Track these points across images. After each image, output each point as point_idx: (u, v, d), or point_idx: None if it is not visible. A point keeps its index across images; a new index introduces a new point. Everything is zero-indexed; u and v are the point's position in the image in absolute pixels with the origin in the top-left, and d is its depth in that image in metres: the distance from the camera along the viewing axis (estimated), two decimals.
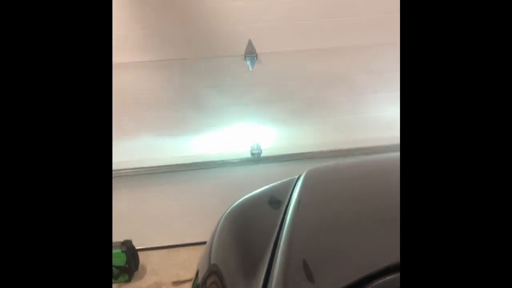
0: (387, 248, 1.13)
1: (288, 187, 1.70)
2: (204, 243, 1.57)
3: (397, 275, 0.96)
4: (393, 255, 1.05)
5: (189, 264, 3.03)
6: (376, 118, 3.14)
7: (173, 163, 3.07)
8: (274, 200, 1.68)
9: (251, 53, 2.89)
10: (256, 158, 3.12)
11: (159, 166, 3.06)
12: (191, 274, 2.94)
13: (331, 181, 1.76)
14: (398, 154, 2.14)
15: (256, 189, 1.88)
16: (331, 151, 3.14)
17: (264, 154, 3.12)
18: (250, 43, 2.88)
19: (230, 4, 2.77)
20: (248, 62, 2.92)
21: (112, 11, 0.80)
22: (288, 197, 1.61)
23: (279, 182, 1.80)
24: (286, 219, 1.42)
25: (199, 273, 1.41)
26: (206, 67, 2.92)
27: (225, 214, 1.62)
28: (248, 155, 3.12)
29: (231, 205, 1.68)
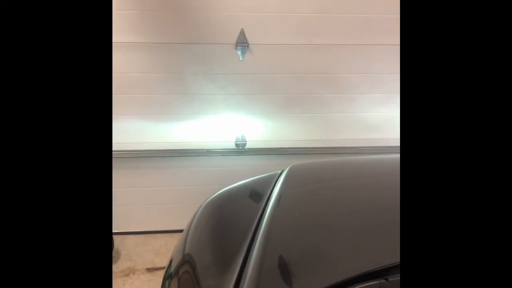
0: (368, 252, 1.12)
1: (270, 182, 1.69)
2: (182, 231, 1.55)
3: (378, 281, 0.95)
4: (374, 259, 1.04)
5: (165, 251, 3.00)
6: (363, 119, 3.14)
7: (156, 148, 3.02)
8: (255, 194, 1.66)
9: (242, 43, 2.85)
10: (240, 150, 3.09)
11: (140, 151, 3.01)
12: (166, 262, 2.91)
13: (314, 178, 1.75)
14: (382, 156, 2.13)
15: (238, 181, 1.86)
16: (316, 148, 3.13)
17: (248, 146, 3.10)
18: (242, 33, 2.83)
19: None
20: (239, 52, 2.87)
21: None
22: (269, 192, 1.59)
23: (261, 176, 1.78)
24: (265, 214, 1.40)
25: (173, 262, 1.39)
26: (196, 53, 2.87)
27: (204, 204, 1.59)
28: (233, 146, 3.09)
29: (211, 195, 1.66)
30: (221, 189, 1.69)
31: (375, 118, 3.14)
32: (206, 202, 1.60)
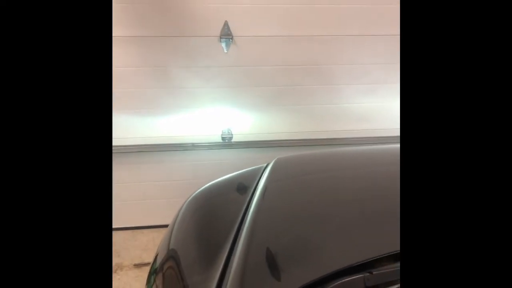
0: (354, 244, 1.12)
1: (255, 175, 1.68)
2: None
3: (363, 275, 0.95)
4: (360, 252, 1.04)
5: (153, 246, 2.98)
6: (349, 110, 3.14)
7: (141, 143, 2.99)
8: (240, 188, 1.65)
9: (226, 35, 2.82)
10: (227, 143, 3.08)
11: (125, 146, 2.97)
12: (153, 257, 2.90)
13: (300, 171, 1.74)
14: (368, 147, 2.13)
15: (225, 174, 1.83)
16: (302, 140, 3.13)
17: (235, 139, 3.08)
18: (226, 25, 2.80)
19: None
20: (223, 44, 2.85)
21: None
22: (254, 186, 1.58)
23: (246, 169, 1.77)
24: (250, 207, 1.39)
25: (158, 257, 1.38)
26: (180, 46, 2.83)
27: (189, 199, 1.58)
28: (219, 139, 3.07)
29: (197, 189, 1.64)
30: (207, 184, 1.67)
31: (361, 109, 3.15)
32: (191, 196, 1.59)
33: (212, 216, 1.49)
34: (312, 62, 3.00)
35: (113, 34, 2.73)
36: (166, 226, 3.14)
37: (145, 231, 3.16)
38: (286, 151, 3.14)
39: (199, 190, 1.63)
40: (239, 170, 3.04)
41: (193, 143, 3.03)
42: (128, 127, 2.96)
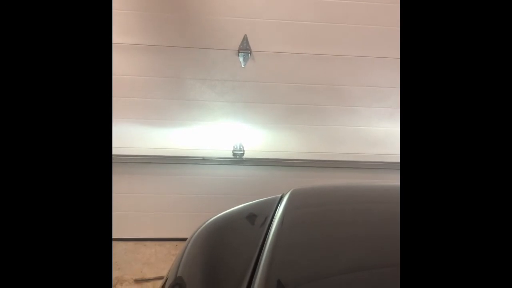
0: (373, 279, 1.07)
1: (269, 207, 1.60)
2: (175, 239, 1.46)
3: None
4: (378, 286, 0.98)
5: (155, 260, 2.90)
6: (365, 133, 3.05)
7: (150, 154, 2.92)
8: (254, 221, 1.57)
9: (245, 50, 2.75)
10: (238, 159, 2.99)
11: (135, 156, 2.91)
12: (155, 273, 2.83)
13: (317, 204, 1.67)
14: (384, 183, 2.05)
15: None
16: (315, 161, 3.04)
17: (246, 155, 3.00)
18: (245, 39, 2.73)
19: None
20: (241, 59, 2.77)
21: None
22: (270, 218, 1.50)
23: (259, 200, 1.69)
24: (266, 243, 1.32)
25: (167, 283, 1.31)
26: (197, 58, 2.77)
27: (199, 230, 1.50)
28: (230, 154, 2.99)
29: (207, 220, 1.56)
30: (217, 214, 1.59)
31: (378, 133, 3.06)
32: (201, 227, 1.51)
33: (225, 250, 1.41)
34: (330, 82, 2.91)
35: (130, 42, 2.67)
36: (170, 239, 3.08)
37: (148, 243, 3.08)
38: (298, 171, 3.06)
39: (209, 221, 1.54)
40: (249, 187, 2.95)
41: (204, 157, 2.96)
42: (136, 136, 2.89)
